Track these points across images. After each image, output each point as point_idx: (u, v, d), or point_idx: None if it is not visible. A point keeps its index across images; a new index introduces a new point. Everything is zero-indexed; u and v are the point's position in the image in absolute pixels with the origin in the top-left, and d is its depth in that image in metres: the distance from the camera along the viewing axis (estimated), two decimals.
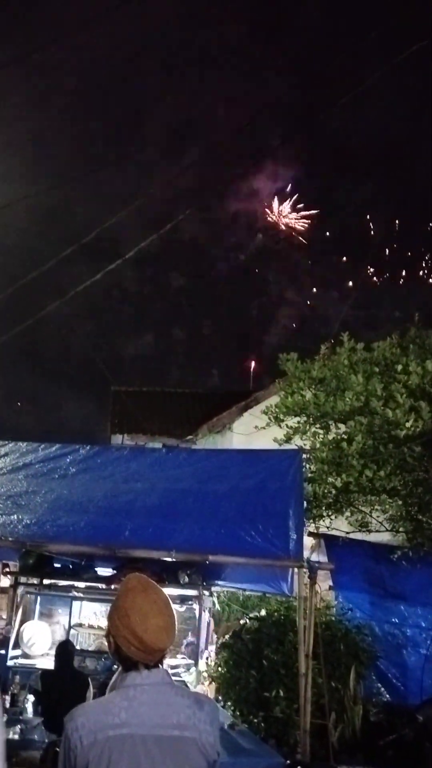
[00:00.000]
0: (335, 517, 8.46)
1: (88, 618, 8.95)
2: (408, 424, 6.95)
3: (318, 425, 8.20)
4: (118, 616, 2.22)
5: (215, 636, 8.75)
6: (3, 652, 8.20)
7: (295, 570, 5.81)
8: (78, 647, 7.87)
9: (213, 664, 7.66)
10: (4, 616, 9.52)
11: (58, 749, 2.34)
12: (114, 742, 2.08)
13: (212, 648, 8.24)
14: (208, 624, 8.89)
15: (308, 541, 7.84)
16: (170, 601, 2.28)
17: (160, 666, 2.24)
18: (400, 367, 7.40)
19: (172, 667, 7.98)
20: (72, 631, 8.80)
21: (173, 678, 2.32)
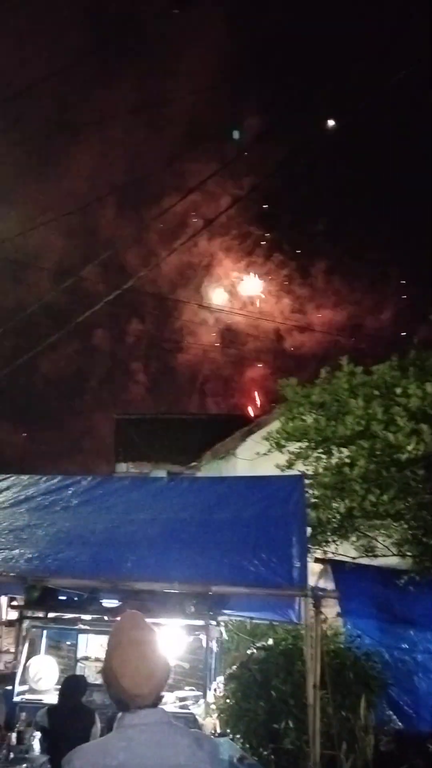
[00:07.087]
0: (341, 543, 8.39)
1: (95, 651, 8.87)
2: (410, 447, 6.91)
3: (320, 450, 8.17)
4: (105, 656, 2.22)
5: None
6: (9, 687, 8.11)
7: (302, 597, 5.75)
8: None
9: (221, 695, 7.57)
10: (12, 650, 9.44)
11: None
12: None
13: (221, 679, 8.14)
14: (216, 654, 8.79)
15: (315, 567, 7.78)
16: (158, 646, 2.25)
17: (157, 705, 2.22)
18: (400, 390, 7.37)
19: (180, 699, 7.87)
20: (79, 664, 8.71)
21: (182, 710, 2.30)
